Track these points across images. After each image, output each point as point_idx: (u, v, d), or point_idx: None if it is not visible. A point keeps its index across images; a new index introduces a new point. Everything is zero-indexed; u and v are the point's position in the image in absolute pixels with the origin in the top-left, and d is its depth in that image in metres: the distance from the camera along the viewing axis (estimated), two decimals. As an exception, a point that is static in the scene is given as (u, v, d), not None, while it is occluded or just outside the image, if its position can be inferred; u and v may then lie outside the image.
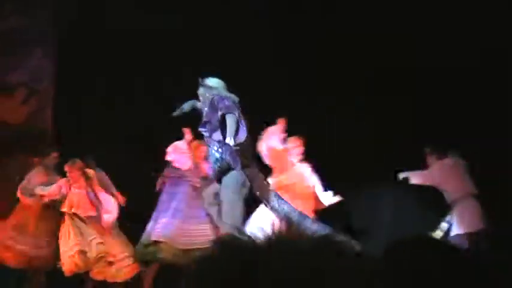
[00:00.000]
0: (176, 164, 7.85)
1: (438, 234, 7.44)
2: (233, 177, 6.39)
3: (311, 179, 7.69)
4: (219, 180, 6.52)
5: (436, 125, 8.27)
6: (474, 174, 7.70)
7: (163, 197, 7.78)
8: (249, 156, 6.57)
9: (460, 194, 7.59)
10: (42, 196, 7.84)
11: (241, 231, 6.09)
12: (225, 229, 6.33)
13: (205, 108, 6.59)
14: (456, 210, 7.57)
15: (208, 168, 6.89)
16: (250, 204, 6.74)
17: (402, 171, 7.73)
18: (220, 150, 6.41)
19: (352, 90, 8.74)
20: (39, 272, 7.94)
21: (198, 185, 7.62)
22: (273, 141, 7.49)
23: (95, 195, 7.83)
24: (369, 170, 8.11)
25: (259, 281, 1.15)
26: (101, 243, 7.63)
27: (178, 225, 7.47)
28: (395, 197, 8.57)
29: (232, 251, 1.17)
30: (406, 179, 7.71)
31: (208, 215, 7.21)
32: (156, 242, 7.48)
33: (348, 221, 8.29)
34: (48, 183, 7.93)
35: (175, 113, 6.87)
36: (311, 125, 8.09)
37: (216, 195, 6.66)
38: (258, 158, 7.21)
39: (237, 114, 6.39)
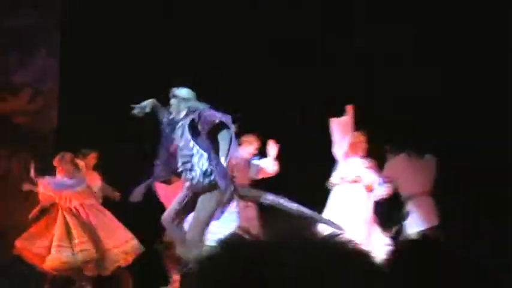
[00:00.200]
0: None
1: (392, 231, 7.53)
2: (214, 199, 6.45)
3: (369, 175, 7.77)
4: (199, 191, 6.51)
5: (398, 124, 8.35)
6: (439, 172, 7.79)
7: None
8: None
9: (413, 191, 7.65)
10: None
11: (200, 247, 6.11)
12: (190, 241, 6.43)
13: (182, 121, 6.57)
14: (410, 208, 7.65)
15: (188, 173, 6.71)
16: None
17: None
18: (209, 168, 6.42)
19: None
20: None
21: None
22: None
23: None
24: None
25: (265, 281, 1.15)
26: (86, 250, 7.62)
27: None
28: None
29: (235, 250, 1.18)
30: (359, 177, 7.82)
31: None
32: None
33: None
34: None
35: (136, 111, 6.72)
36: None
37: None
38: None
39: (232, 130, 6.47)
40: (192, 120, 6.51)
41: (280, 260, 1.16)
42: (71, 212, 7.85)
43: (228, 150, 6.41)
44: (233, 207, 7.28)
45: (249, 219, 7.55)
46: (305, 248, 1.19)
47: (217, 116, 6.44)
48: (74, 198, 7.92)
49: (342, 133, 7.60)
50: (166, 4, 9.48)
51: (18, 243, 7.78)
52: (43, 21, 9.50)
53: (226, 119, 6.44)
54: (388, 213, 7.80)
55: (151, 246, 8.34)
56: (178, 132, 6.59)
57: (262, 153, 7.99)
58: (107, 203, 8.43)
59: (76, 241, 7.63)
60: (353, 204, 7.62)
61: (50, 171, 8.22)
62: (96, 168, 8.55)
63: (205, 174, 6.42)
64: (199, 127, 6.46)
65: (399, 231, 7.55)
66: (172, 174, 6.85)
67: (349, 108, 7.59)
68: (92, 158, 8.41)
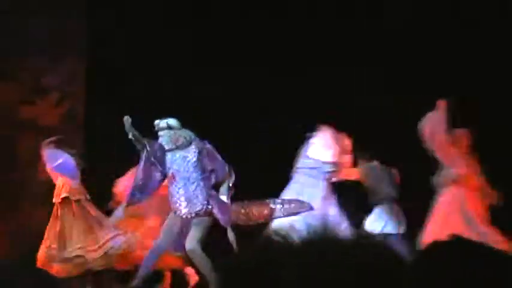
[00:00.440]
0: None
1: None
2: (208, 222, 6.66)
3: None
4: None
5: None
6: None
7: None
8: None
9: (381, 197, 7.86)
10: None
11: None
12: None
13: (182, 151, 6.69)
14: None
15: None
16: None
17: None
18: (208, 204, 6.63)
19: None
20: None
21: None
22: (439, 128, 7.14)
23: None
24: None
25: (291, 282, 1.12)
26: (81, 256, 7.19)
27: None
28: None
29: (267, 251, 1.15)
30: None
31: None
32: None
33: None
34: None
35: (133, 136, 6.81)
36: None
37: None
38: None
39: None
40: (199, 152, 6.70)
41: (315, 259, 1.13)
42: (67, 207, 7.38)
43: (228, 188, 6.71)
44: None
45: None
46: (342, 248, 1.17)
47: (219, 159, 6.73)
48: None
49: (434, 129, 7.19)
50: (195, 4, 9.51)
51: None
52: (70, 25, 9.59)
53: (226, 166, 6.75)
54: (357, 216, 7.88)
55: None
56: (178, 162, 6.70)
57: None
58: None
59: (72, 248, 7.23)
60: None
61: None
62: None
63: (207, 205, 6.63)
64: (205, 160, 6.69)
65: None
66: (148, 198, 6.92)
67: (441, 104, 7.14)
68: None
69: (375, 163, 8.02)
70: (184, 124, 6.90)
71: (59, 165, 7.42)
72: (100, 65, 9.42)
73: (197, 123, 7.05)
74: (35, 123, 9.45)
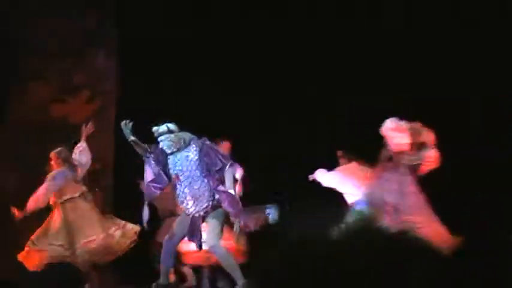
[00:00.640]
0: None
1: (335, 234, 7.40)
2: (221, 215, 6.73)
3: None
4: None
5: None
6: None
7: None
8: None
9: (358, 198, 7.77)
10: None
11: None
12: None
13: (183, 152, 6.80)
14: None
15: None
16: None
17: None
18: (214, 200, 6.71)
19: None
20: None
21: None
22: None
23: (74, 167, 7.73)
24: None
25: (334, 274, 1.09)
26: (87, 251, 7.46)
27: None
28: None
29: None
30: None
31: None
32: None
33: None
34: None
35: (132, 142, 7.00)
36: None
37: None
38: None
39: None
40: (199, 150, 6.78)
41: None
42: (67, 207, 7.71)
43: (235, 181, 6.80)
44: None
45: None
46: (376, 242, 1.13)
47: (220, 152, 6.83)
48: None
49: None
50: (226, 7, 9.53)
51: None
52: (100, 23, 9.63)
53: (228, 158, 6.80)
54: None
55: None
56: (181, 163, 6.80)
57: None
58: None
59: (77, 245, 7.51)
60: None
61: (107, 171, 8.27)
62: None
63: (213, 200, 6.71)
64: (206, 157, 6.75)
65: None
66: (161, 192, 7.06)
67: None
68: None
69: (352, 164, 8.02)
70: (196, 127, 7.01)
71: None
72: (130, 62, 9.46)
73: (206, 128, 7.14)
74: (66, 121, 9.51)
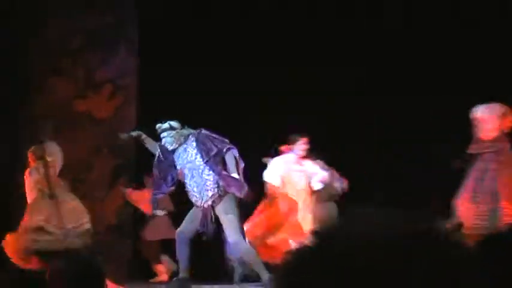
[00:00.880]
0: None
1: None
2: (233, 200, 6.76)
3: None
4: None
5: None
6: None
7: None
8: None
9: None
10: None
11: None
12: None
13: (184, 146, 6.93)
14: None
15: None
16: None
17: None
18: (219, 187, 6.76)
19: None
20: None
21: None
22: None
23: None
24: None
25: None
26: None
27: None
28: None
29: (333, 243, 1.18)
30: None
31: None
32: None
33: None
34: None
35: (122, 137, 7.36)
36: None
37: None
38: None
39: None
40: (196, 140, 6.89)
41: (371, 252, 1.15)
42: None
43: (236, 164, 6.77)
44: None
45: None
46: (397, 239, 1.18)
47: (216, 137, 6.91)
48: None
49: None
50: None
51: None
52: (121, 19, 9.70)
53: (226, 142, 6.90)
54: None
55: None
56: (182, 156, 6.92)
57: None
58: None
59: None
60: None
61: (129, 166, 8.34)
62: None
63: (218, 187, 6.75)
64: (203, 145, 6.84)
65: None
66: (169, 190, 7.22)
67: None
68: None
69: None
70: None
71: None
72: (151, 57, 9.52)
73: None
74: (90, 116, 9.61)
